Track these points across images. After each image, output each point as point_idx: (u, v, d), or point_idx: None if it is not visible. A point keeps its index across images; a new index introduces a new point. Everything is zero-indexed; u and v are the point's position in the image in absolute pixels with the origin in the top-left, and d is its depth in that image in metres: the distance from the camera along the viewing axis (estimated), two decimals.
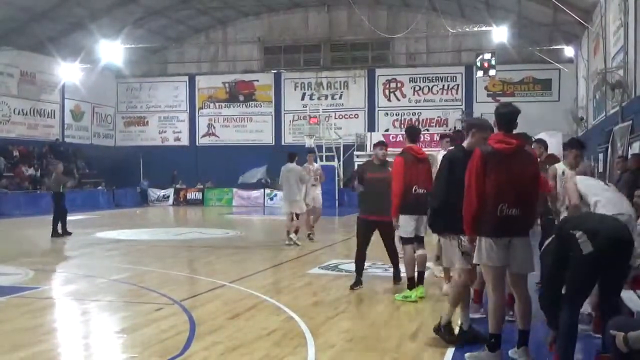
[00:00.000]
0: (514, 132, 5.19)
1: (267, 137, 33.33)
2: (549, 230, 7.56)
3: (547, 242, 4.98)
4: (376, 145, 8.72)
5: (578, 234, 4.60)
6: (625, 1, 15.45)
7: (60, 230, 15.82)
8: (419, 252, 7.66)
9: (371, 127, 31.44)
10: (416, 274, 7.64)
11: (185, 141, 34.55)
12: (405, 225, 7.50)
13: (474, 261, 5.34)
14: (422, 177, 7.45)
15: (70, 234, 15.92)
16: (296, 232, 13.44)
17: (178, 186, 32.23)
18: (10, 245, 14.29)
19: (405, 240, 7.65)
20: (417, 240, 7.66)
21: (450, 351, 5.54)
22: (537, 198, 5.20)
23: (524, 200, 5.03)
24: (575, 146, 6.99)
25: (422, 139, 26.81)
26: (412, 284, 7.63)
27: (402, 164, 7.45)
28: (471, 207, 5.06)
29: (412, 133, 7.99)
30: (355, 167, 29.21)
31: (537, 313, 5.23)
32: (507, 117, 5.14)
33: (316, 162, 16.91)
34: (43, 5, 25.58)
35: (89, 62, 29.47)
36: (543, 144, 8.70)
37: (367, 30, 30.23)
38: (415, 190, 7.40)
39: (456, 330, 5.79)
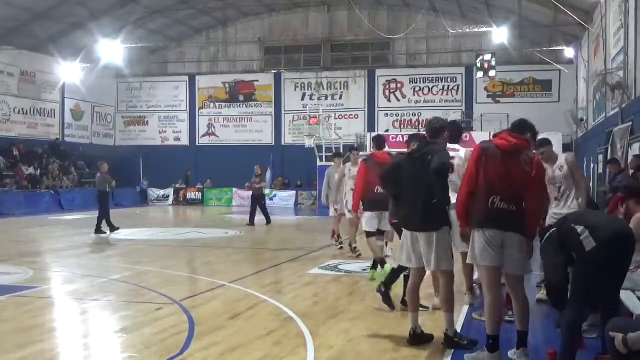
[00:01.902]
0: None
1: (267, 137, 33.35)
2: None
3: (547, 235, 4.99)
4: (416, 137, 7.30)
5: (580, 229, 4.62)
6: (625, 2, 15.45)
7: (103, 228, 16.05)
8: (380, 243, 9.04)
9: (371, 127, 31.45)
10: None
11: (185, 141, 34.58)
12: (370, 221, 8.76)
13: (468, 261, 5.36)
14: None
15: (104, 233, 15.98)
16: (333, 235, 13.02)
17: (178, 186, 32.25)
18: (10, 244, 14.28)
19: (369, 234, 8.92)
20: (380, 233, 8.93)
21: (449, 352, 5.55)
22: (534, 199, 5.17)
23: (519, 198, 5.07)
24: None
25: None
26: (375, 266, 9.06)
27: (364, 168, 8.89)
28: (462, 198, 5.23)
29: (380, 141, 9.26)
30: None
31: (535, 314, 5.23)
32: (517, 122, 5.41)
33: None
34: (43, 5, 25.59)
35: (89, 62, 29.51)
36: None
37: (367, 31, 30.27)
38: (377, 190, 8.35)
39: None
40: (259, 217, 18.81)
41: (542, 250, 5.02)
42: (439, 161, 5.50)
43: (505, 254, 5.08)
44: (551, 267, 4.89)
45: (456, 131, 7.18)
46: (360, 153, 12.52)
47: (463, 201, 5.22)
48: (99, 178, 16.81)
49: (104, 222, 16.11)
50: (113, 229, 16.19)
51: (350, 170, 11.41)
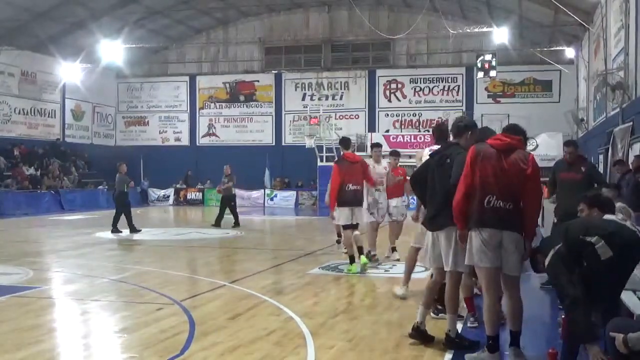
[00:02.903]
0: None
1: (267, 138, 33.34)
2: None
3: (551, 252, 4.88)
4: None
5: (594, 239, 4.56)
6: (626, 2, 15.44)
7: (123, 228, 16.35)
8: (356, 232, 9.75)
9: (371, 127, 31.45)
10: (356, 248, 9.71)
11: (185, 141, 34.57)
12: (343, 215, 9.63)
13: (466, 262, 5.35)
14: (355, 177, 9.62)
15: (139, 230, 16.34)
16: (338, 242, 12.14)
17: (178, 186, 32.23)
18: (11, 244, 14.29)
19: (345, 227, 9.74)
20: (354, 227, 9.70)
21: (450, 352, 5.55)
22: (532, 197, 5.15)
23: (515, 196, 5.07)
24: None
25: (422, 140, 27.13)
26: (352, 260, 9.75)
27: (337, 168, 9.64)
28: (457, 198, 5.22)
29: (346, 143, 10.21)
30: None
31: (536, 314, 5.22)
32: (510, 126, 5.53)
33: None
34: (44, 5, 25.59)
35: (90, 62, 29.51)
36: (574, 145, 8.93)
37: (367, 31, 30.24)
38: (348, 187, 9.52)
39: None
40: (228, 217, 18.42)
41: (551, 269, 4.81)
42: (455, 175, 5.45)
43: (502, 255, 5.07)
44: (568, 283, 4.61)
45: (443, 132, 7.02)
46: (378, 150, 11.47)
47: (459, 203, 5.21)
48: (118, 178, 16.96)
49: (120, 219, 16.39)
50: (116, 231, 16.29)
51: (374, 167, 10.80)
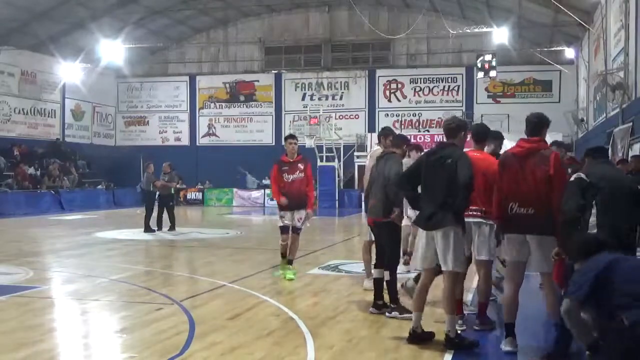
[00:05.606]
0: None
1: (267, 138, 33.33)
2: None
3: (576, 177, 5.16)
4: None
5: (592, 218, 4.94)
6: (626, 2, 15.45)
7: (151, 225, 16.62)
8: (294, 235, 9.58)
9: (371, 127, 31.42)
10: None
11: (185, 141, 34.56)
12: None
13: (501, 255, 5.88)
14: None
15: (153, 231, 16.51)
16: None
17: (178, 186, 32.17)
18: (11, 244, 14.28)
19: (281, 229, 9.55)
20: (295, 231, 9.50)
21: (449, 352, 5.54)
22: (555, 199, 5.16)
23: (538, 200, 5.22)
24: None
25: (422, 140, 27.14)
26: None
27: (276, 169, 9.62)
28: (495, 205, 5.59)
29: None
30: (356, 167, 29.28)
31: (534, 314, 5.23)
32: (530, 123, 5.58)
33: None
34: (44, 5, 25.59)
35: (90, 62, 29.52)
36: (564, 146, 9.05)
37: (367, 31, 30.25)
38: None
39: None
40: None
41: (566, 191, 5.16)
42: (466, 175, 5.47)
43: (530, 252, 5.35)
44: (573, 201, 4.98)
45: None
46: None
47: (496, 208, 5.58)
48: (145, 178, 17.28)
49: (151, 219, 16.65)
50: (148, 230, 16.47)
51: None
